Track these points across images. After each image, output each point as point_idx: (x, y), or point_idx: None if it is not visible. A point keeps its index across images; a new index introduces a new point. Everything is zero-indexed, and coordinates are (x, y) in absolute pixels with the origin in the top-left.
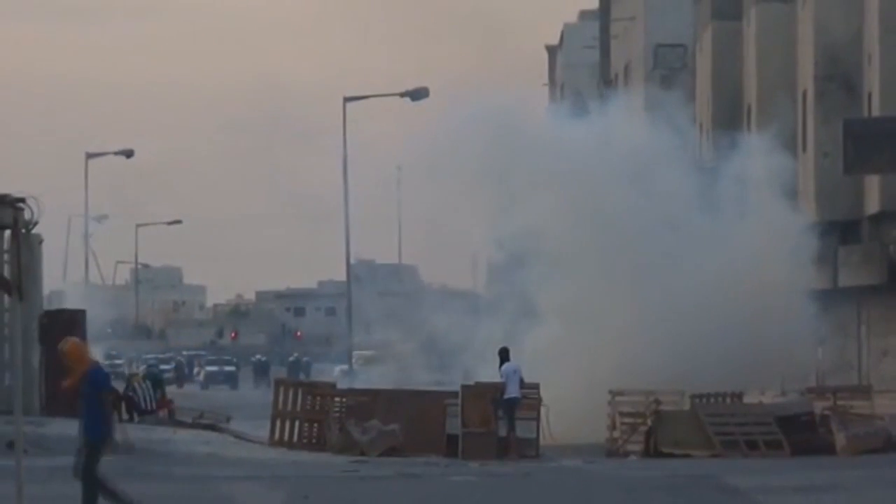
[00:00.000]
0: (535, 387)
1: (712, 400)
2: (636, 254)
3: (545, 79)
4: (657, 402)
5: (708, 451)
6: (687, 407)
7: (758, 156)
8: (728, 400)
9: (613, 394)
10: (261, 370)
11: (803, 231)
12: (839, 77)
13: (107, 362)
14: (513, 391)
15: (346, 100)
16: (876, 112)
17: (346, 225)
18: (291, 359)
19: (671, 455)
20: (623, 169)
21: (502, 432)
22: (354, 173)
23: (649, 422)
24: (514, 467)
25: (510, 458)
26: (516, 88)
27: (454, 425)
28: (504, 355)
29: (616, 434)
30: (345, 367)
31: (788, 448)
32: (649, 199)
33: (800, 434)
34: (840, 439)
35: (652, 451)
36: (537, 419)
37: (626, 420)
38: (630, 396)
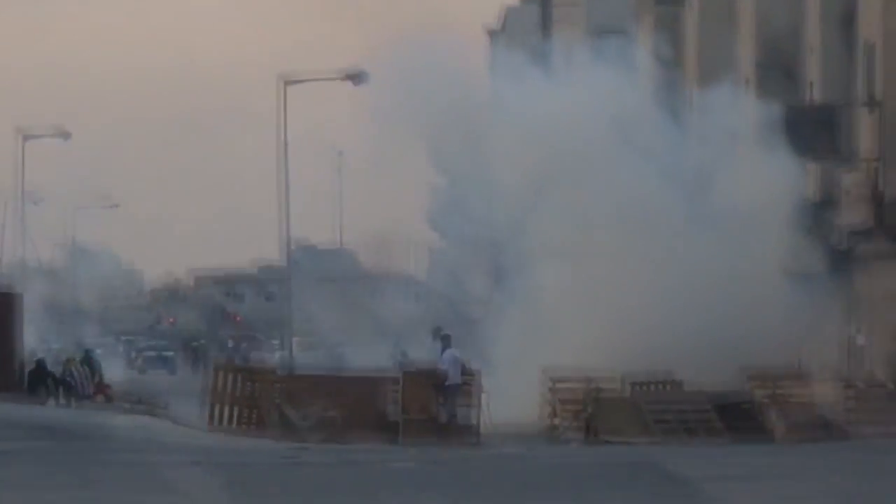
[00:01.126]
0: (476, 373)
1: (652, 387)
2: (621, 234)
3: (487, 63)
4: (597, 388)
5: (647, 438)
6: (627, 394)
7: (697, 143)
8: (667, 387)
9: (553, 380)
10: (200, 355)
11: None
12: (780, 65)
13: (42, 346)
14: (454, 377)
15: (286, 83)
16: (816, 100)
17: (286, 209)
18: (231, 345)
19: (611, 442)
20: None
21: (442, 418)
22: (294, 157)
23: (589, 409)
24: (455, 454)
25: (450, 444)
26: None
27: (394, 411)
28: (446, 341)
29: (556, 421)
30: (284, 352)
31: (727, 435)
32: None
33: (739, 421)
34: (779, 427)
35: (591, 437)
36: (478, 406)
37: (567, 407)
38: (570, 383)
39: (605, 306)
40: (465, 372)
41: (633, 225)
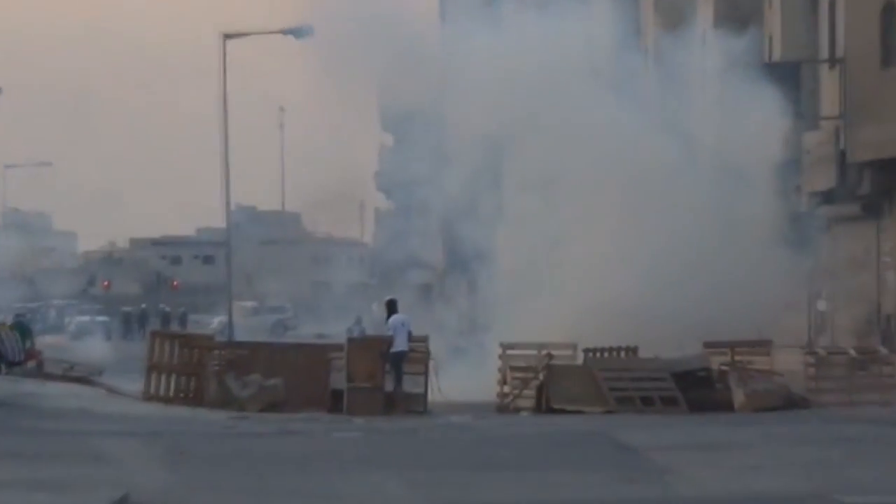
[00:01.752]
0: (424, 340)
1: (606, 354)
2: (605, 179)
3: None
4: (549, 356)
5: (601, 408)
6: (580, 361)
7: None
8: (623, 354)
9: (504, 347)
10: (139, 320)
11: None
12: (738, 20)
13: None
14: (400, 344)
15: (226, 37)
16: (776, 56)
17: (226, 169)
18: (167, 309)
19: (563, 411)
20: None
21: (389, 387)
22: (235, 115)
23: (541, 377)
24: (401, 423)
25: (396, 413)
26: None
27: (339, 380)
28: (392, 307)
29: (507, 389)
30: (223, 318)
31: (685, 405)
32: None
33: (697, 390)
34: (738, 396)
35: (544, 407)
36: (425, 374)
37: (518, 375)
38: (521, 350)
39: (572, 272)
40: (412, 338)
41: (610, 174)
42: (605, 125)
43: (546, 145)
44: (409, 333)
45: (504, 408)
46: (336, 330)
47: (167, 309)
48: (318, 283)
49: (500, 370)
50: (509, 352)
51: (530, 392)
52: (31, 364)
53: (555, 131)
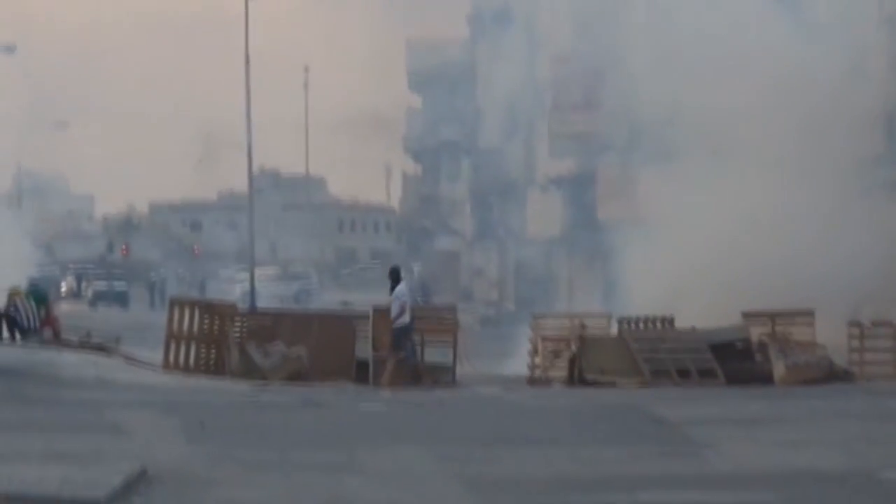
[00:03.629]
0: (452, 309)
1: (641, 325)
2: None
3: None
4: (582, 326)
5: (636, 380)
6: (614, 332)
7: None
8: (659, 325)
9: (535, 317)
10: (156, 288)
11: None
12: None
13: None
14: (406, 316)
15: None
16: None
17: (249, 131)
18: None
19: (596, 383)
20: None
21: (394, 359)
22: (258, 75)
23: (573, 347)
24: (428, 395)
25: (424, 385)
26: None
27: (364, 350)
28: (395, 275)
29: (538, 360)
30: (246, 285)
31: (723, 377)
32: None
33: (735, 362)
34: (778, 368)
35: (576, 379)
36: (453, 344)
37: (549, 345)
38: (553, 319)
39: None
40: (440, 308)
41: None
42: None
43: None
44: (427, 297)
45: (535, 380)
46: (362, 298)
47: (185, 275)
48: (342, 249)
49: (531, 341)
50: (540, 322)
51: (563, 363)
52: (46, 332)
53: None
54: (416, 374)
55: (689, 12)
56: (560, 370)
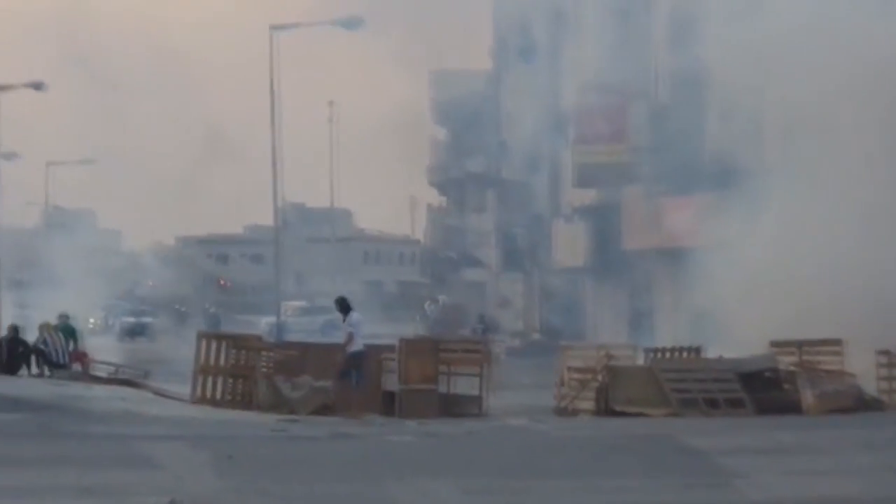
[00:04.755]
0: (481, 340)
1: (668, 355)
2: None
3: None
4: (609, 355)
5: (664, 410)
6: (641, 362)
7: None
8: (686, 355)
9: (562, 347)
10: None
11: None
12: None
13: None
14: (359, 344)
15: (273, 28)
16: None
17: (275, 164)
18: (212, 310)
19: (624, 414)
20: None
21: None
22: (284, 109)
23: (601, 377)
24: (456, 426)
25: (452, 416)
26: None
27: (391, 381)
28: (344, 305)
29: (565, 391)
30: (272, 318)
31: (752, 407)
32: None
33: (764, 392)
34: (807, 397)
35: (604, 409)
36: (481, 375)
37: (576, 376)
38: (580, 350)
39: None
40: (469, 339)
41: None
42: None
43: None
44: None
45: (563, 410)
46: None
47: (213, 309)
48: (368, 282)
49: (557, 371)
50: (568, 352)
51: (590, 394)
52: (76, 366)
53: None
54: (445, 405)
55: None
56: (587, 401)
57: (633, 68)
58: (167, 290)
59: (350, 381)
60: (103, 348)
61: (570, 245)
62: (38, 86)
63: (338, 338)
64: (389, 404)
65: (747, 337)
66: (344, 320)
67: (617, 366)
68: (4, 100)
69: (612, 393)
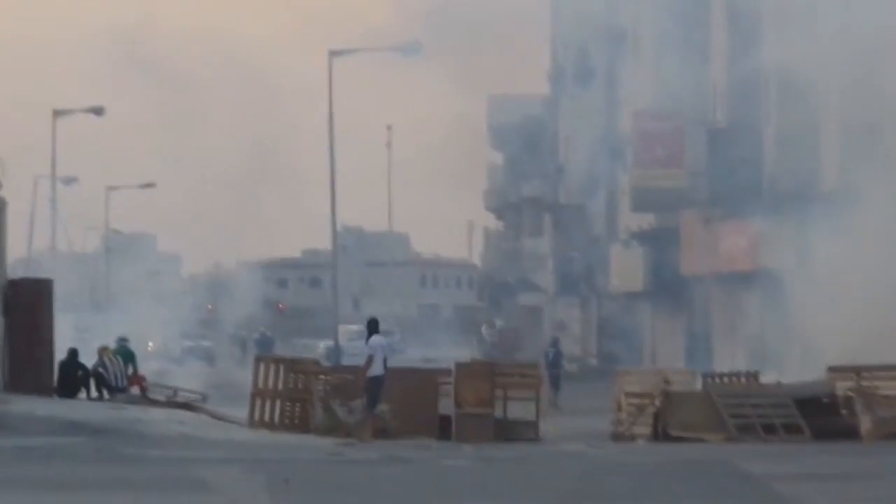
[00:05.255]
0: (535, 366)
1: (725, 380)
2: None
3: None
4: (666, 380)
5: (721, 435)
6: (698, 387)
7: None
8: (743, 380)
9: (619, 372)
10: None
11: None
12: None
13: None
14: (378, 368)
15: (332, 54)
16: None
17: (332, 189)
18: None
19: (681, 439)
20: None
21: (352, 417)
22: (342, 134)
23: (657, 403)
24: (512, 451)
25: (507, 441)
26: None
27: (447, 405)
28: (372, 327)
29: (622, 416)
30: (330, 342)
31: (809, 432)
32: None
33: (821, 417)
34: (865, 423)
35: (661, 434)
36: (536, 400)
37: (633, 401)
38: (637, 375)
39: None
40: (524, 364)
41: None
42: None
43: None
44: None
45: (619, 435)
46: (446, 354)
47: (267, 333)
48: (425, 306)
49: (614, 396)
50: (625, 377)
51: (647, 419)
52: (134, 390)
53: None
54: (500, 430)
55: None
56: (644, 426)
57: (691, 93)
58: (225, 313)
59: (372, 406)
60: (161, 372)
61: (626, 270)
62: (98, 111)
63: (395, 361)
64: (445, 428)
65: (805, 362)
66: (366, 342)
67: (673, 391)
68: (64, 124)
69: (669, 418)
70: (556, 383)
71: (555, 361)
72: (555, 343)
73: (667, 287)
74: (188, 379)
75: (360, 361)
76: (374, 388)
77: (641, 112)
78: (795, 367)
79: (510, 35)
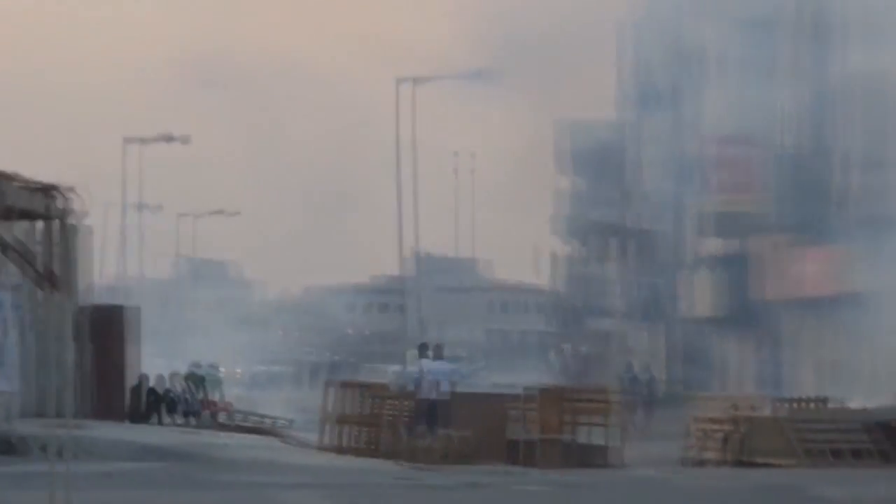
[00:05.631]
0: (605, 390)
1: (795, 405)
2: None
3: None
4: (735, 407)
5: (793, 461)
6: (768, 412)
7: None
8: (813, 406)
9: (690, 398)
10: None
11: None
12: None
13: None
14: (428, 391)
15: (399, 81)
16: None
17: (400, 214)
18: (336, 358)
19: (753, 464)
20: None
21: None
22: (412, 159)
23: (729, 428)
24: (584, 476)
25: (581, 466)
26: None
27: (516, 430)
28: (421, 351)
29: (692, 442)
30: (399, 367)
31: (880, 458)
32: None
33: (892, 442)
34: None
35: (731, 460)
36: (608, 425)
37: (704, 426)
38: (708, 400)
39: None
40: (595, 390)
41: None
42: None
43: None
44: (452, 383)
45: (690, 461)
46: (515, 379)
47: (337, 358)
48: (495, 331)
49: (686, 422)
50: (696, 402)
51: (718, 444)
52: (207, 414)
53: None
54: (573, 455)
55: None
56: (715, 451)
57: (766, 115)
58: (297, 338)
59: (421, 429)
60: (234, 397)
61: (700, 294)
62: (183, 139)
63: (466, 387)
64: (514, 453)
65: (878, 388)
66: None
67: (744, 416)
68: (149, 152)
69: (741, 443)
70: (646, 407)
71: (649, 385)
72: (629, 368)
73: (741, 312)
74: (260, 404)
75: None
76: (424, 411)
77: (715, 136)
78: (867, 393)
79: (580, 59)
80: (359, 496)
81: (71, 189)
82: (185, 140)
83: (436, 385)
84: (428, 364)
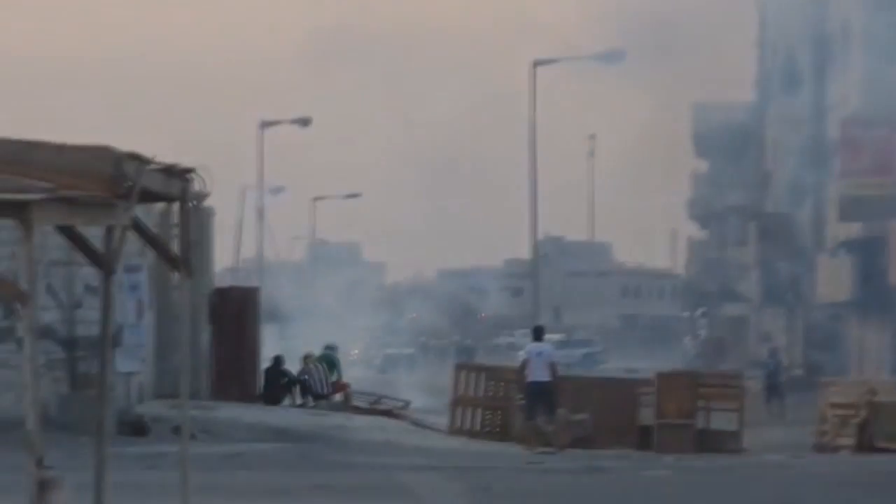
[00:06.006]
0: (737, 376)
1: None
2: None
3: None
4: (871, 392)
5: None
6: None
7: None
8: None
9: (824, 383)
10: (463, 353)
11: None
12: None
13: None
14: (537, 374)
15: (536, 63)
16: None
17: (534, 199)
18: (466, 341)
19: (887, 450)
20: None
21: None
22: (544, 143)
23: (863, 414)
24: (714, 462)
25: (708, 451)
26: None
27: (647, 415)
28: (536, 334)
29: (826, 427)
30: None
31: None
32: None
33: None
34: None
35: (865, 445)
36: (739, 410)
37: (838, 412)
38: (842, 385)
39: None
40: (726, 375)
41: None
42: None
43: None
44: (552, 365)
45: (823, 447)
46: (646, 364)
47: (468, 341)
48: (627, 316)
49: (819, 407)
50: (830, 388)
51: (852, 430)
52: (338, 397)
53: None
54: (701, 440)
55: None
56: (849, 437)
57: None
58: (428, 322)
59: (532, 413)
60: (365, 379)
61: (833, 279)
62: (304, 121)
63: (600, 372)
64: (644, 439)
65: None
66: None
67: (879, 401)
68: (272, 135)
69: (875, 429)
70: (778, 393)
71: (775, 371)
72: (773, 354)
73: (875, 297)
74: (390, 386)
75: (563, 371)
76: (533, 394)
77: (849, 119)
78: None
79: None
80: (488, 480)
81: (204, 170)
82: (305, 122)
83: (541, 367)
84: (531, 347)
